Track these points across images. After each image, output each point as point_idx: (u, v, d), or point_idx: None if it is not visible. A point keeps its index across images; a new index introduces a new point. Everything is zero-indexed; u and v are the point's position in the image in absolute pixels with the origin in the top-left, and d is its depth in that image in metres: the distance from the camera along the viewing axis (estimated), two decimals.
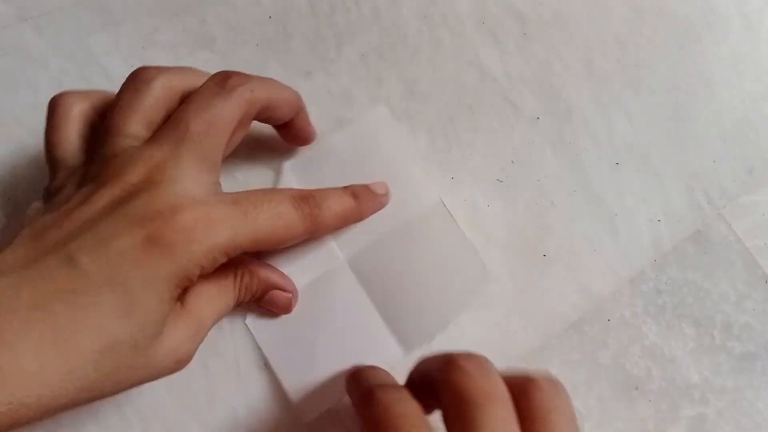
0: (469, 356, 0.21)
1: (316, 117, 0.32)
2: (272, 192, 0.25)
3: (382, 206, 0.29)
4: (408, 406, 0.20)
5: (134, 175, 0.22)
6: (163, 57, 0.32)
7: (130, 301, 0.20)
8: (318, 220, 0.25)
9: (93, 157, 0.24)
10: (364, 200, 0.28)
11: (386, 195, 0.29)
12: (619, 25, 0.32)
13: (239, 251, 0.23)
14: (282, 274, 0.29)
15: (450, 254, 0.30)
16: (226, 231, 0.22)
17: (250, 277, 0.27)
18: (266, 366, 0.29)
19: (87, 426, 0.29)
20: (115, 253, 0.20)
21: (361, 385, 0.23)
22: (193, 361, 0.29)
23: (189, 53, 0.32)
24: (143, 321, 0.21)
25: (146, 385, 0.29)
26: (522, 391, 0.20)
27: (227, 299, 0.26)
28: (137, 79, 0.24)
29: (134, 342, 0.21)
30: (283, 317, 0.29)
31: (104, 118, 0.24)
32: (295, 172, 0.31)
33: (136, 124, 0.23)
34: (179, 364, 0.23)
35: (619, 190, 0.31)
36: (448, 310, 0.29)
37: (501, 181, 0.31)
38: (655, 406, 0.29)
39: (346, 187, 0.28)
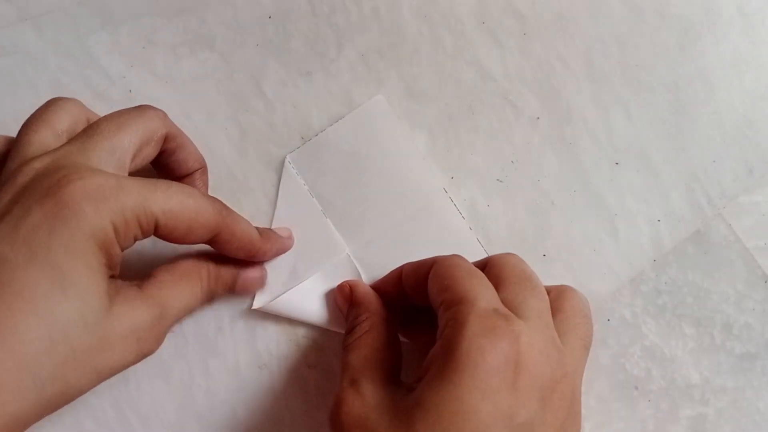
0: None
1: (317, 117, 0.32)
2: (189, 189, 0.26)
3: (286, 249, 0.29)
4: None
5: (38, 163, 0.22)
6: (163, 57, 0.32)
7: (58, 273, 0.20)
8: (227, 220, 0.25)
9: (4, 167, 0.24)
10: (267, 238, 0.28)
11: (290, 238, 0.30)
12: (619, 25, 0.32)
13: (151, 219, 0.22)
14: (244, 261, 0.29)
15: (452, 245, 0.30)
16: (135, 194, 0.22)
17: (216, 269, 0.27)
18: (266, 366, 0.29)
19: (86, 426, 0.29)
20: (29, 230, 0.20)
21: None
22: (193, 361, 0.29)
23: (189, 53, 0.32)
24: (81, 292, 0.20)
25: (146, 385, 0.29)
26: (559, 292, 0.25)
27: (193, 290, 0.26)
28: (49, 102, 0.25)
29: (81, 317, 0.20)
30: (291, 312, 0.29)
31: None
32: (296, 166, 0.31)
33: (44, 132, 0.24)
34: (143, 346, 0.23)
35: (619, 190, 0.31)
36: None
37: (501, 181, 0.31)
38: (655, 406, 0.29)
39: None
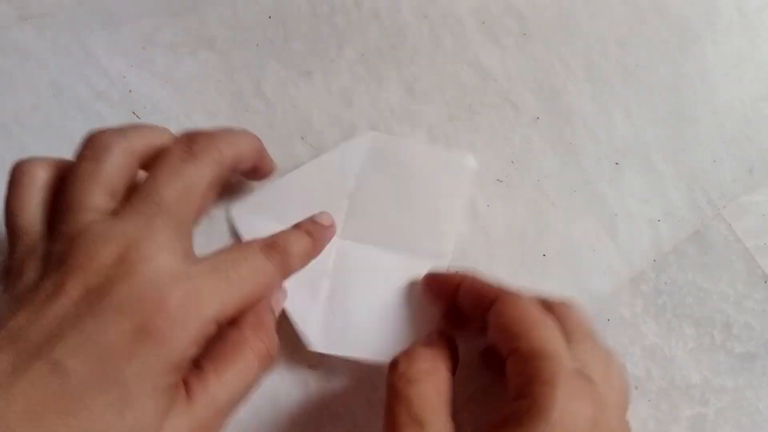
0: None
1: (317, 117, 0.32)
2: (244, 248, 0.24)
3: (331, 237, 0.29)
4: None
5: (106, 256, 0.20)
6: (164, 57, 0.32)
7: (123, 398, 0.19)
8: (290, 265, 0.25)
9: (54, 234, 0.22)
10: (317, 236, 0.28)
11: (332, 225, 0.29)
12: (619, 25, 0.32)
13: (229, 318, 0.22)
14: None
15: (429, 166, 0.30)
16: (214, 303, 0.21)
17: (265, 334, 0.24)
18: None
19: None
20: (104, 351, 0.19)
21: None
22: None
23: (189, 53, 0.32)
24: (139, 416, 0.19)
25: None
26: (562, 312, 0.24)
27: (245, 370, 0.23)
28: (95, 146, 0.23)
29: None
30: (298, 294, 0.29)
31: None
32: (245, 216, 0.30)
33: (99, 196, 0.22)
34: None
35: (619, 190, 0.31)
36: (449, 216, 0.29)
37: (501, 181, 0.31)
38: (655, 406, 0.29)
39: (298, 227, 0.28)
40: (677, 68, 0.32)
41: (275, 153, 0.31)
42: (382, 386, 0.29)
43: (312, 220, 0.29)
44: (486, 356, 0.28)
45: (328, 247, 0.29)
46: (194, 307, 0.21)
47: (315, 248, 0.28)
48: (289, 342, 0.30)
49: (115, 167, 0.22)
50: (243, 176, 0.29)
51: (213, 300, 0.21)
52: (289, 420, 0.29)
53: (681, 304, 0.30)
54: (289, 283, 0.28)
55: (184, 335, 0.20)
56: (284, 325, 0.30)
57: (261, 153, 0.28)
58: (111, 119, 0.31)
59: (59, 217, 0.22)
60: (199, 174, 0.23)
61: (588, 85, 0.32)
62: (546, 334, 0.22)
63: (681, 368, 0.29)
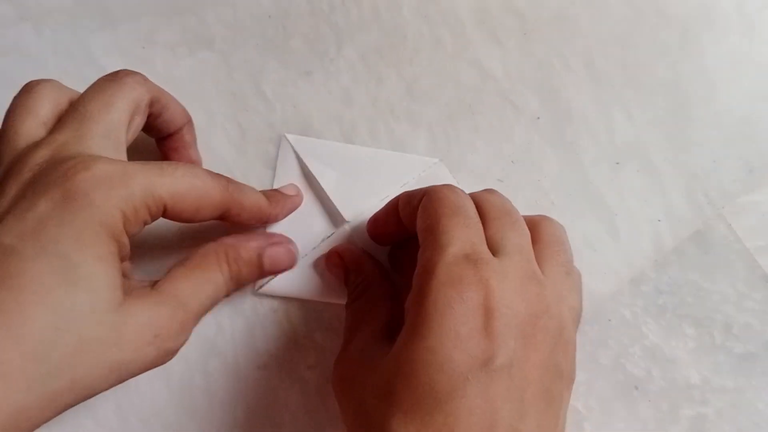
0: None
1: (317, 117, 0.32)
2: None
3: (296, 206, 0.30)
4: None
5: (39, 157, 0.22)
6: (163, 57, 0.32)
7: (67, 265, 0.20)
8: (235, 193, 0.25)
9: None
10: (276, 201, 0.28)
11: (298, 195, 0.30)
12: (619, 25, 0.32)
13: (160, 204, 0.22)
14: (267, 233, 0.29)
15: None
16: (142, 180, 0.22)
17: (235, 251, 0.26)
18: (266, 366, 0.29)
19: (87, 426, 0.29)
20: (37, 221, 0.20)
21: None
22: (193, 361, 0.29)
23: (189, 53, 0.32)
24: (91, 283, 0.20)
25: (146, 385, 0.29)
26: (535, 222, 0.25)
27: (214, 280, 0.25)
28: (25, 87, 0.25)
29: (91, 308, 0.20)
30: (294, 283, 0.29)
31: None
32: (294, 142, 0.31)
33: (30, 121, 0.24)
34: (162, 343, 0.22)
35: (619, 190, 0.31)
36: None
37: (501, 181, 0.31)
38: (655, 406, 0.29)
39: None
40: (677, 68, 0.32)
41: (275, 153, 0.31)
42: None
43: (274, 189, 0.30)
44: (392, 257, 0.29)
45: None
46: (119, 178, 0.21)
47: (271, 210, 0.28)
48: (288, 342, 0.30)
49: (41, 96, 0.24)
50: (165, 153, 0.29)
51: (141, 178, 0.22)
52: (289, 420, 0.29)
53: (681, 304, 0.30)
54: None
55: (110, 199, 0.21)
56: (284, 326, 0.30)
57: (186, 116, 0.29)
58: None
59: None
60: (121, 90, 0.24)
61: (588, 85, 0.32)
62: (450, 223, 0.22)
63: (681, 368, 0.29)
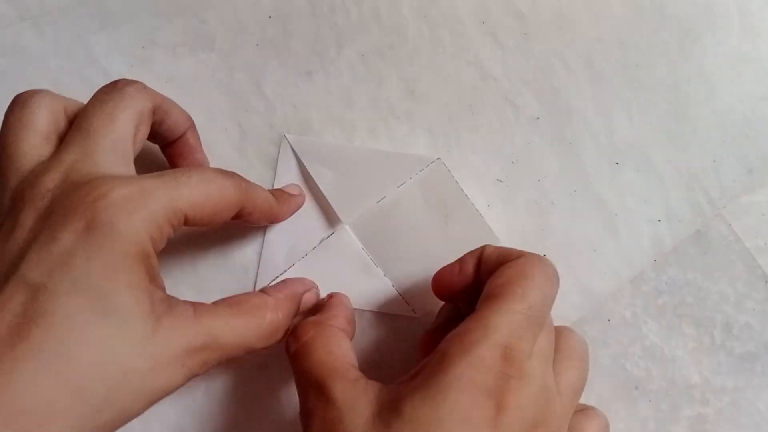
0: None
1: (317, 117, 0.32)
2: (196, 166, 0.25)
3: (299, 206, 0.30)
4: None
5: (49, 182, 0.21)
6: (163, 57, 0.32)
7: (100, 297, 0.19)
8: (249, 192, 0.25)
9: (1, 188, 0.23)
10: (283, 200, 0.28)
11: (301, 195, 0.30)
12: (619, 25, 0.32)
13: (181, 216, 0.22)
14: (299, 279, 0.29)
15: (453, 217, 0.30)
16: (162, 197, 0.21)
17: (285, 308, 0.25)
18: (266, 366, 0.29)
19: None
20: (64, 255, 0.19)
21: None
22: None
23: (189, 53, 0.32)
24: (124, 315, 0.20)
25: None
26: (558, 331, 0.24)
27: (251, 326, 0.24)
28: (17, 101, 0.24)
29: (128, 340, 0.20)
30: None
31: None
32: (294, 143, 0.31)
33: (32, 138, 0.23)
34: (189, 369, 0.22)
35: (619, 190, 0.31)
36: None
37: (501, 181, 0.31)
38: (655, 406, 0.29)
39: None
40: (677, 68, 0.32)
41: (275, 153, 0.31)
42: None
43: (279, 189, 0.30)
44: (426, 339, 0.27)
45: (350, 243, 0.30)
46: (139, 199, 0.21)
47: (278, 209, 0.28)
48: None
49: (38, 109, 0.23)
50: (172, 161, 0.29)
51: (160, 195, 0.21)
52: (289, 420, 0.29)
53: (681, 304, 0.30)
54: (352, 290, 0.29)
55: (134, 224, 0.20)
56: None
57: (189, 120, 0.28)
58: None
59: (2, 171, 0.23)
60: (124, 101, 0.24)
61: (588, 85, 0.32)
62: (527, 289, 0.22)
63: (681, 368, 0.29)
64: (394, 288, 0.30)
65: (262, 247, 0.30)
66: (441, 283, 0.26)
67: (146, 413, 0.29)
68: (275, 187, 0.31)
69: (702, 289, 0.30)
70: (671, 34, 0.32)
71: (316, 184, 0.30)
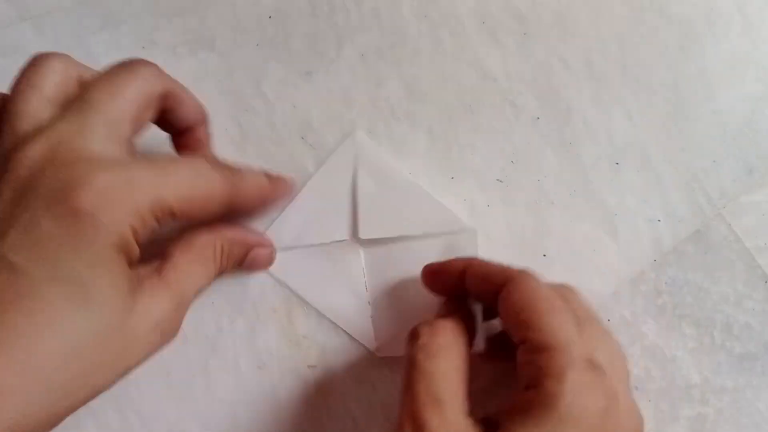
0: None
1: (317, 117, 0.32)
2: (188, 156, 0.25)
3: (288, 192, 0.30)
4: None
5: (35, 152, 0.21)
6: (163, 57, 0.32)
7: (80, 289, 0.19)
8: (237, 185, 0.25)
9: None
10: (275, 181, 0.28)
11: (291, 183, 0.30)
12: (619, 25, 0.32)
13: (166, 210, 0.22)
14: (257, 232, 0.29)
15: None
16: (148, 188, 0.21)
17: (229, 245, 0.26)
18: (266, 366, 0.29)
19: (87, 426, 0.29)
20: (44, 240, 0.19)
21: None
22: (193, 361, 0.29)
23: (189, 53, 0.32)
24: (103, 305, 0.20)
25: (146, 385, 0.29)
26: (568, 296, 0.25)
27: (208, 271, 0.25)
28: (33, 60, 0.23)
29: (104, 330, 0.20)
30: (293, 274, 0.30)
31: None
32: (280, 238, 0.30)
33: (35, 100, 0.22)
34: (165, 337, 0.23)
35: (619, 190, 0.31)
36: None
37: (501, 181, 0.31)
38: (655, 406, 0.29)
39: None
40: (677, 68, 0.32)
41: (275, 152, 0.31)
42: (382, 386, 0.29)
43: (272, 173, 0.29)
44: (493, 344, 0.28)
45: (354, 258, 0.30)
46: (126, 189, 0.21)
47: (272, 191, 0.28)
48: (288, 342, 0.30)
49: (50, 72, 0.23)
50: (178, 148, 0.29)
51: (146, 186, 0.21)
52: (289, 419, 0.29)
53: (681, 304, 0.30)
54: (334, 298, 0.29)
55: (118, 215, 0.20)
56: (284, 326, 0.30)
57: (202, 112, 0.28)
58: None
59: (1, 128, 0.22)
60: (131, 80, 0.23)
61: (588, 85, 0.32)
62: (557, 322, 0.22)
63: (681, 368, 0.29)
64: (371, 318, 0.29)
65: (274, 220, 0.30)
66: (430, 282, 0.27)
67: (146, 413, 0.29)
68: (318, 173, 0.30)
69: (702, 289, 0.30)
70: (671, 34, 0.32)
71: (356, 188, 0.30)
